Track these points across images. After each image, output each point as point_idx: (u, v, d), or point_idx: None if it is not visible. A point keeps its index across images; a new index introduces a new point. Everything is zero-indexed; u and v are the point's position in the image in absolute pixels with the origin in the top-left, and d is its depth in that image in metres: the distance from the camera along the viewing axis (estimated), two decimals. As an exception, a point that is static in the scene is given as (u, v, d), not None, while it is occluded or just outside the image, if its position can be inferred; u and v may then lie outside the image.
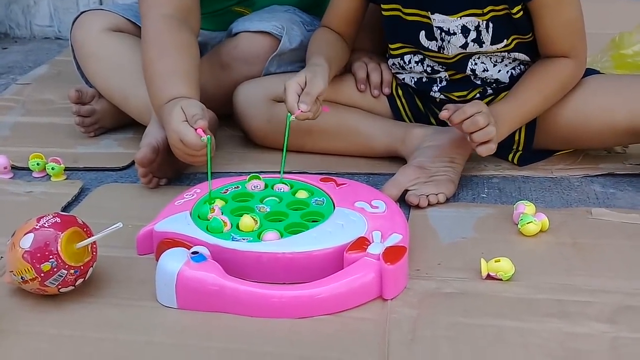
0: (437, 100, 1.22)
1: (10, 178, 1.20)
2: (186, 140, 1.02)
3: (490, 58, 1.16)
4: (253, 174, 1.04)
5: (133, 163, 1.25)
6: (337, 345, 0.78)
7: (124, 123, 1.35)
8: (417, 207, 1.06)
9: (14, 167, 1.23)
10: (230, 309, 0.82)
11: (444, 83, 1.21)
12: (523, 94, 1.12)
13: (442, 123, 1.23)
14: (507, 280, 0.88)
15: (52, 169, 1.18)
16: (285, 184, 1.03)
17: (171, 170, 1.15)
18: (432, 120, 1.25)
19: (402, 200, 1.07)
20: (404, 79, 1.24)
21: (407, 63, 1.21)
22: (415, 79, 1.23)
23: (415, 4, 1.14)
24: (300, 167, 1.20)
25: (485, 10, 1.10)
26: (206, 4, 1.30)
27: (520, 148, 1.20)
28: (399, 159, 1.19)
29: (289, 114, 1.03)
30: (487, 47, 1.13)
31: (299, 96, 1.03)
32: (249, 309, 0.82)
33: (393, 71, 1.25)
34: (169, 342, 0.79)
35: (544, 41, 1.13)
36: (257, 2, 1.36)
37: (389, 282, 0.84)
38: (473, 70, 1.17)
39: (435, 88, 1.21)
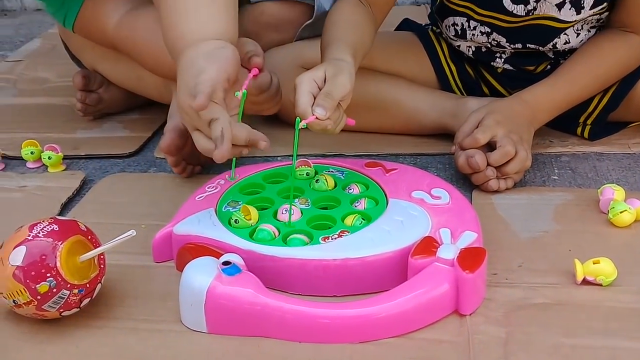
0: (499, 70, 1.06)
1: (1, 170, 1.05)
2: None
3: (574, 27, 0.99)
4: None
5: (142, 149, 1.10)
6: (411, 378, 0.62)
7: (131, 108, 1.19)
8: (479, 188, 0.91)
9: (4, 157, 1.07)
10: (274, 333, 0.67)
11: (508, 54, 1.03)
12: (572, 74, 0.97)
13: (496, 93, 1.08)
14: (607, 285, 0.72)
15: (49, 158, 1.02)
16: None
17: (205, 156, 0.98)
18: (485, 90, 1.08)
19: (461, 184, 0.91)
20: (458, 46, 1.07)
21: (471, 28, 1.03)
22: (474, 49, 1.06)
23: None
24: (335, 149, 1.04)
25: None
26: None
27: (589, 122, 1.03)
28: (449, 137, 1.02)
29: (297, 118, 0.74)
30: (586, 12, 0.95)
31: (315, 98, 0.75)
32: (296, 333, 0.66)
33: (449, 34, 1.06)
34: (200, 378, 0.63)
35: (620, 5, 0.96)
36: None
37: (467, 294, 0.68)
38: (554, 44, 1.00)
39: (499, 60, 1.04)
